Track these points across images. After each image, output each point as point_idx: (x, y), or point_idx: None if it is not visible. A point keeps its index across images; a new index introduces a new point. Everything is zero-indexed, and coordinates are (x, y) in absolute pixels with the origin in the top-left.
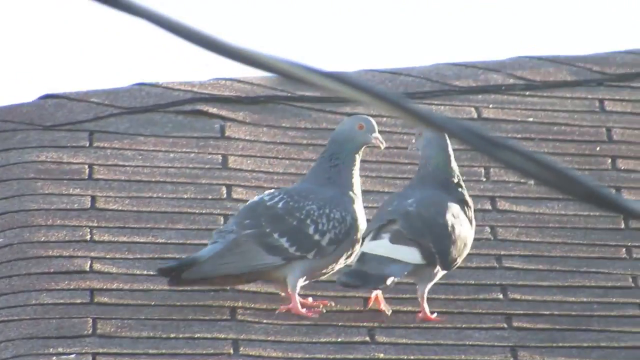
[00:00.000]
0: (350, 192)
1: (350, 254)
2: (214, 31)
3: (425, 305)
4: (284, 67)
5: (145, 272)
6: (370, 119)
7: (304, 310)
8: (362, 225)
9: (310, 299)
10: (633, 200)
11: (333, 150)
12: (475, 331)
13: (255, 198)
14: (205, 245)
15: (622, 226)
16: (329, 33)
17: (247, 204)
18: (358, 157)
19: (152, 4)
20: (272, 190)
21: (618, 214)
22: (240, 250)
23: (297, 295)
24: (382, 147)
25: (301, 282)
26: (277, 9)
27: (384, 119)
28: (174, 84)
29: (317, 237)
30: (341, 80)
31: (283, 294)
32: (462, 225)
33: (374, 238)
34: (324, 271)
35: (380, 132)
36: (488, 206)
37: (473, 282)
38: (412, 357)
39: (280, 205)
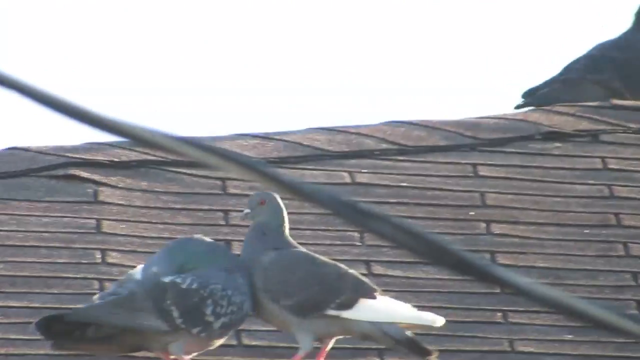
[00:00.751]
0: (240, 268)
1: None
2: (79, 99)
3: None
4: (146, 136)
5: (21, 337)
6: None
7: None
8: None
9: None
10: (504, 269)
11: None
12: None
13: (135, 272)
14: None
15: (498, 290)
16: (202, 97)
17: (152, 281)
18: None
19: (20, 73)
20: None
21: (490, 283)
22: (132, 306)
23: (183, 358)
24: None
25: (183, 352)
26: (157, 71)
27: (257, 183)
28: (47, 148)
29: (211, 318)
30: (204, 149)
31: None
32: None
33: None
34: (207, 347)
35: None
36: (363, 270)
37: (350, 347)
38: None
39: (192, 285)
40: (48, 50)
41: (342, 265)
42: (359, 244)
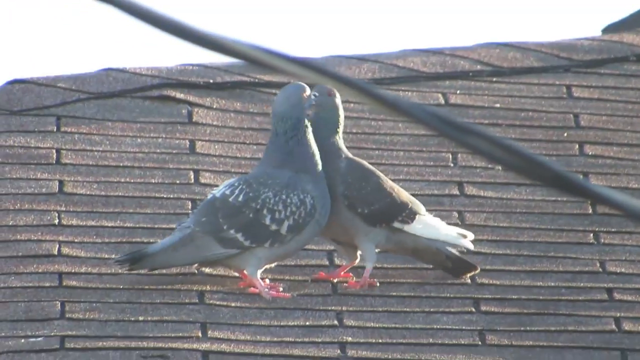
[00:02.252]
0: (311, 169)
1: (319, 233)
2: (180, 16)
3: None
4: (250, 53)
5: (113, 256)
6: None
7: (273, 292)
8: (324, 201)
9: (267, 281)
10: (599, 186)
11: (285, 127)
12: (444, 315)
13: (216, 191)
14: (173, 229)
15: (590, 211)
16: (297, 19)
17: (206, 199)
18: (310, 128)
19: None
20: (232, 180)
21: (585, 199)
22: (194, 244)
23: (259, 280)
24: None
25: (260, 268)
26: None
27: (351, 104)
28: (142, 69)
29: (274, 226)
30: (307, 66)
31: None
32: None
33: None
34: (287, 255)
35: (347, 117)
36: (456, 191)
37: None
38: (380, 341)
39: (238, 198)
40: None
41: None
42: (452, 164)
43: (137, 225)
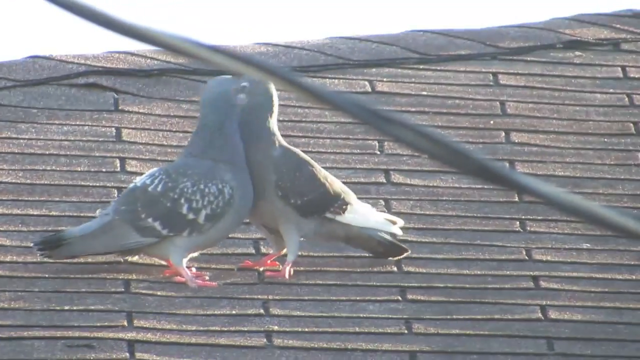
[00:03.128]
0: (232, 159)
1: (240, 222)
2: (106, 6)
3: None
4: (174, 43)
5: (37, 246)
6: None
7: (199, 281)
8: (244, 191)
9: (193, 269)
10: (523, 175)
11: (212, 117)
12: (370, 304)
13: (137, 180)
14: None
15: (516, 199)
16: (224, 7)
17: (128, 187)
18: (236, 119)
19: None
20: (154, 170)
21: (510, 189)
22: (113, 232)
23: (185, 269)
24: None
25: (185, 257)
26: None
27: (278, 92)
28: (68, 56)
29: (191, 216)
30: (230, 55)
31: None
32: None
33: None
34: (208, 244)
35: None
36: (382, 179)
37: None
38: (306, 330)
39: (157, 187)
40: None
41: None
42: (379, 152)
43: (63, 214)
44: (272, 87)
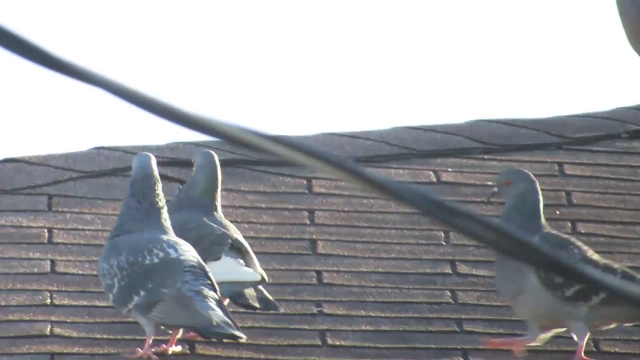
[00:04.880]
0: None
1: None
2: (168, 97)
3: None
4: (236, 134)
5: (105, 336)
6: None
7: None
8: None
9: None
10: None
11: (135, 190)
12: None
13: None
14: None
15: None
16: (289, 97)
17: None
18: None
19: (109, 71)
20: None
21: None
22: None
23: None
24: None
25: (150, 334)
26: (235, 73)
27: (343, 182)
28: (132, 147)
29: (109, 294)
30: (293, 146)
31: None
32: None
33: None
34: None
35: (338, 195)
36: (448, 270)
37: (434, 347)
38: None
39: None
40: (134, 47)
41: (210, 228)
42: (444, 243)
43: None
44: (207, 162)
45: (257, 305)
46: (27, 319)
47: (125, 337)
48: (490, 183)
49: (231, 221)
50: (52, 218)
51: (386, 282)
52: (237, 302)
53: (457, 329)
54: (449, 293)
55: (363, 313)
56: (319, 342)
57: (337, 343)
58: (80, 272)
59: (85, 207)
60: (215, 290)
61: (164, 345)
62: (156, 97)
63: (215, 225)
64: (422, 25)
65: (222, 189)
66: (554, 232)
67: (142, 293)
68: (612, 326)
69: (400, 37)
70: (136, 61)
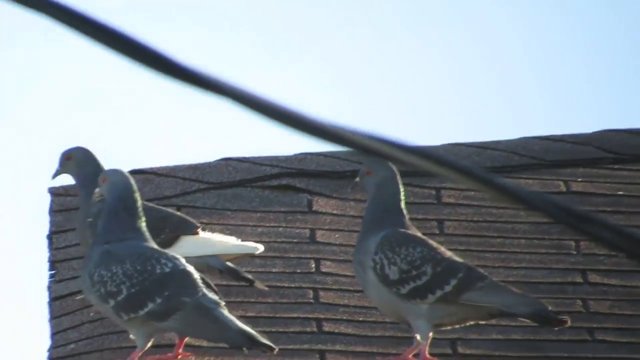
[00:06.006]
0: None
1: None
2: (298, 106)
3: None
4: (367, 143)
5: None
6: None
7: None
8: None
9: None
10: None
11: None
12: None
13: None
14: (295, 318)
15: None
16: (416, 107)
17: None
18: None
19: (236, 81)
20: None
21: None
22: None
23: (139, 352)
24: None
25: (143, 344)
26: (364, 82)
27: (472, 192)
28: (261, 158)
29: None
30: (425, 156)
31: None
32: None
33: None
34: (150, 325)
35: (467, 205)
36: (579, 279)
37: (566, 355)
38: None
39: None
40: (263, 55)
41: (167, 209)
42: (575, 252)
43: (259, 315)
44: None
45: (250, 277)
46: None
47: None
48: (620, 193)
49: (358, 231)
50: (207, 230)
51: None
52: (231, 275)
53: (589, 338)
54: (580, 302)
55: (493, 322)
56: (450, 351)
57: (468, 352)
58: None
59: (214, 218)
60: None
61: (169, 354)
62: (285, 106)
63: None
64: (552, 35)
65: (352, 199)
66: (405, 228)
67: (158, 300)
68: (455, 326)
69: (531, 48)
70: (261, 70)
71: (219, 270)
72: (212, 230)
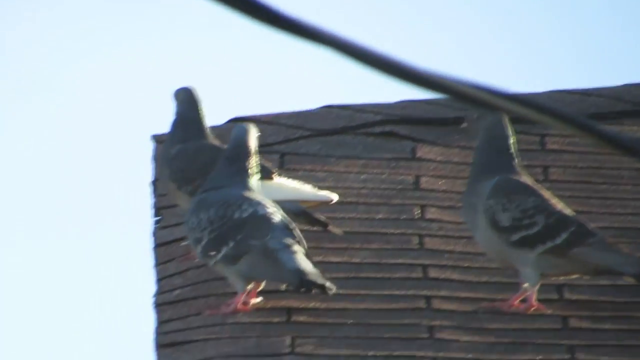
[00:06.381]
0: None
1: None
2: (399, 54)
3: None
4: (470, 91)
5: (341, 292)
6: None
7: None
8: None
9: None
10: None
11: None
12: None
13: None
14: (399, 265)
15: None
16: (519, 54)
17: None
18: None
19: (338, 30)
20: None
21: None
22: None
23: (242, 296)
24: None
25: (242, 289)
26: (465, 29)
27: (577, 139)
28: (363, 106)
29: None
30: (527, 104)
31: None
32: None
33: None
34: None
35: (572, 152)
36: None
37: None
38: None
39: None
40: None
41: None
42: None
43: (364, 261)
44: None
45: (324, 220)
46: None
47: (361, 292)
48: None
49: (464, 178)
50: (284, 176)
51: (623, 237)
52: (305, 219)
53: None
54: None
55: None
56: (556, 296)
57: (574, 298)
58: (313, 228)
59: (318, 165)
60: (303, 245)
61: (243, 299)
62: (387, 54)
63: None
64: None
65: (456, 146)
66: (517, 173)
67: (230, 244)
68: (561, 278)
69: None
70: (363, 19)
71: (293, 214)
72: (315, 179)
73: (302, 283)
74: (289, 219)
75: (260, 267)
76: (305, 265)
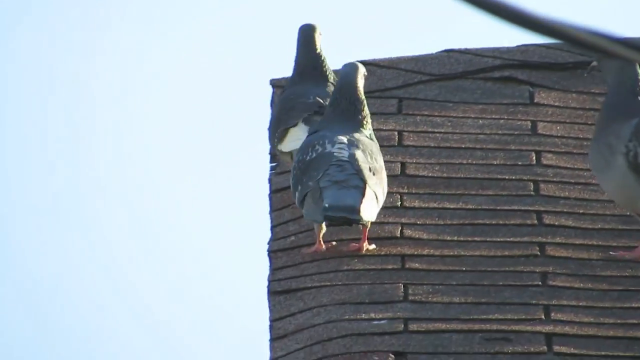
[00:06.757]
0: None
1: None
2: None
3: None
4: (586, 37)
5: (456, 238)
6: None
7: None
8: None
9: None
10: None
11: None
12: None
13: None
14: (514, 211)
15: None
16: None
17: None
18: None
19: None
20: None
21: None
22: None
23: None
24: None
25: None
26: None
27: None
28: (483, 50)
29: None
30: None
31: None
32: None
33: None
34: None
35: None
36: None
37: None
38: None
39: None
40: None
41: (301, 101)
42: None
43: (479, 207)
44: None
45: None
46: (378, 221)
47: (475, 238)
48: None
49: (581, 123)
50: (402, 121)
51: None
52: None
53: None
54: None
55: None
56: None
57: None
58: (430, 174)
59: (435, 110)
60: (362, 177)
61: (355, 244)
62: (506, 2)
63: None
64: None
65: (574, 91)
66: None
67: (299, 188)
68: None
69: None
70: None
71: None
72: (432, 124)
73: (325, 218)
74: (364, 153)
75: (308, 206)
76: (340, 200)
